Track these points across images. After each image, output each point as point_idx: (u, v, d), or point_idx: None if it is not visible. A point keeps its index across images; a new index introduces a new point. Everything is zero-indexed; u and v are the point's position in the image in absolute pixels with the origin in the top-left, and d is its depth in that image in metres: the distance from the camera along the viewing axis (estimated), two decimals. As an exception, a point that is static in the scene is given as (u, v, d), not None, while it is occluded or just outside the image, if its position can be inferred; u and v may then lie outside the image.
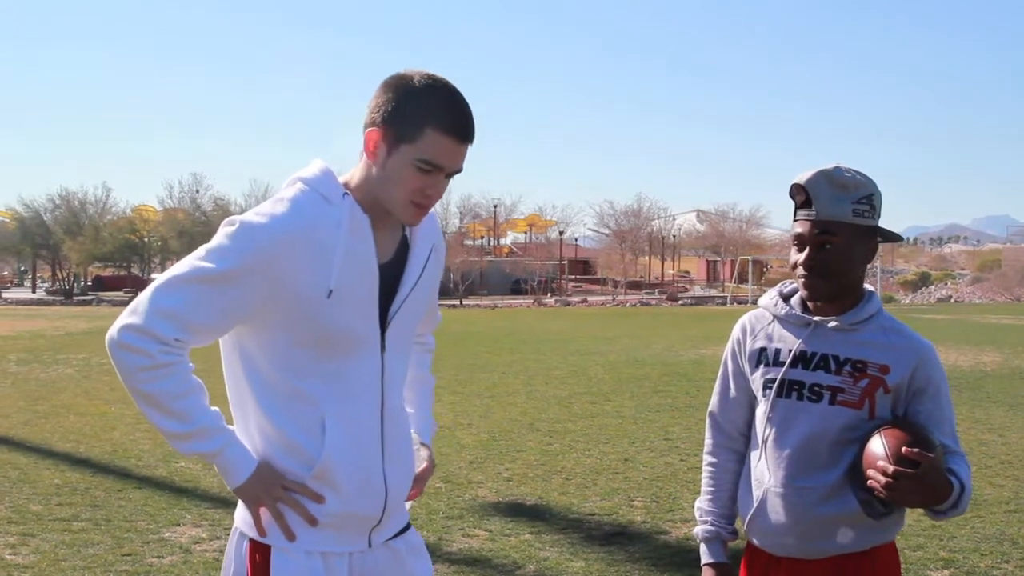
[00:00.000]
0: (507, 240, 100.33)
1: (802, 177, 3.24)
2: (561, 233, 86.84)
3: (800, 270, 3.26)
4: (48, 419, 13.87)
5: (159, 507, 8.94)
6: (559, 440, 12.49)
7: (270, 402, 2.96)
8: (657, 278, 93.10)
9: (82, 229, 68.96)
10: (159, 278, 2.94)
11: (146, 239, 71.23)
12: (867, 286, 3.38)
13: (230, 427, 2.99)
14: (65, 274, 72.51)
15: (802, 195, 3.25)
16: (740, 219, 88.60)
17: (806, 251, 3.24)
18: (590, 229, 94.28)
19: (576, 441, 12.43)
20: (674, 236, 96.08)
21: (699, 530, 3.60)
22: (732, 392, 3.57)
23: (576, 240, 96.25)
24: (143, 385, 2.85)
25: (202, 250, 2.90)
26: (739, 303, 63.30)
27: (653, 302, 65.63)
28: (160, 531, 8.19)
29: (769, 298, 3.48)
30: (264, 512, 2.97)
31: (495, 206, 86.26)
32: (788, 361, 3.31)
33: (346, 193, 2.95)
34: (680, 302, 65.72)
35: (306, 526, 2.98)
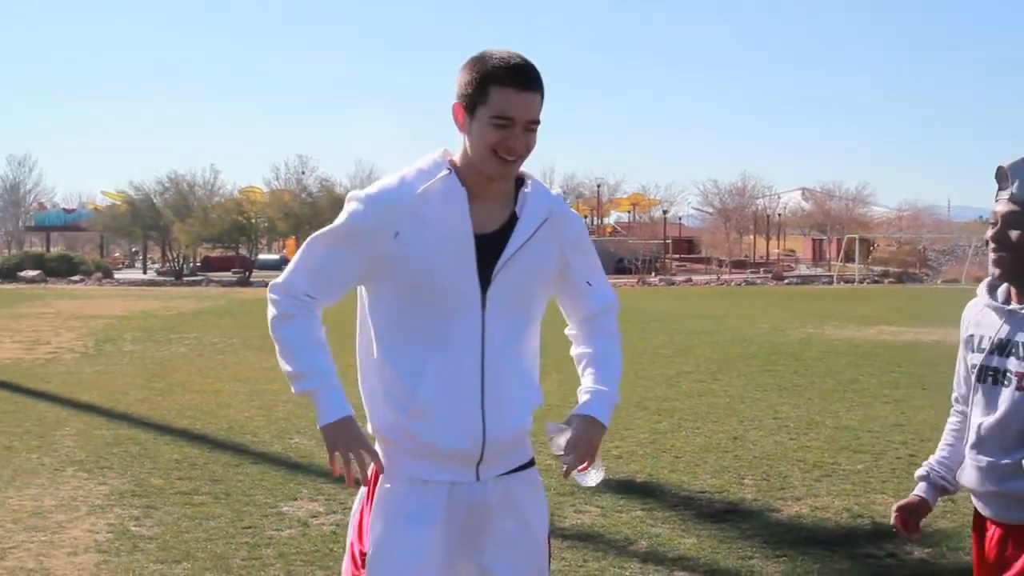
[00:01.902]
0: (611, 219, 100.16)
1: (1007, 162, 3.48)
2: (665, 212, 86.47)
3: (991, 244, 3.50)
4: (165, 396, 14.18)
5: (276, 482, 9.13)
6: (667, 418, 12.51)
7: (383, 345, 3.44)
8: (762, 257, 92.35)
9: (191, 211, 69.84)
10: (304, 242, 3.53)
11: (253, 220, 71.84)
12: None
13: (338, 381, 3.43)
14: (175, 255, 73.58)
15: (1004, 177, 3.48)
16: (846, 197, 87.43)
17: (997, 226, 3.48)
18: (694, 208, 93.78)
19: (685, 419, 12.44)
20: (779, 215, 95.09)
21: (918, 471, 3.89)
22: (962, 371, 3.77)
23: (680, 219, 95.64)
24: (274, 331, 3.47)
25: (334, 221, 3.47)
26: (846, 282, 62.61)
27: (758, 281, 65.13)
28: (278, 505, 8.36)
29: (980, 287, 3.68)
30: (337, 458, 3.36)
31: (598, 186, 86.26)
32: (987, 348, 3.53)
33: (450, 169, 3.38)
34: (786, 281, 65.15)
35: (407, 455, 3.41)
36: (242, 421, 12.20)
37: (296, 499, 8.57)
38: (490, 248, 3.37)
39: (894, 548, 7.29)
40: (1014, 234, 3.44)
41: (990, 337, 3.54)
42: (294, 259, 3.50)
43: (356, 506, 3.55)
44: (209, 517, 7.99)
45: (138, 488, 8.89)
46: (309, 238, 3.51)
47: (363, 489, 3.51)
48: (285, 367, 3.46)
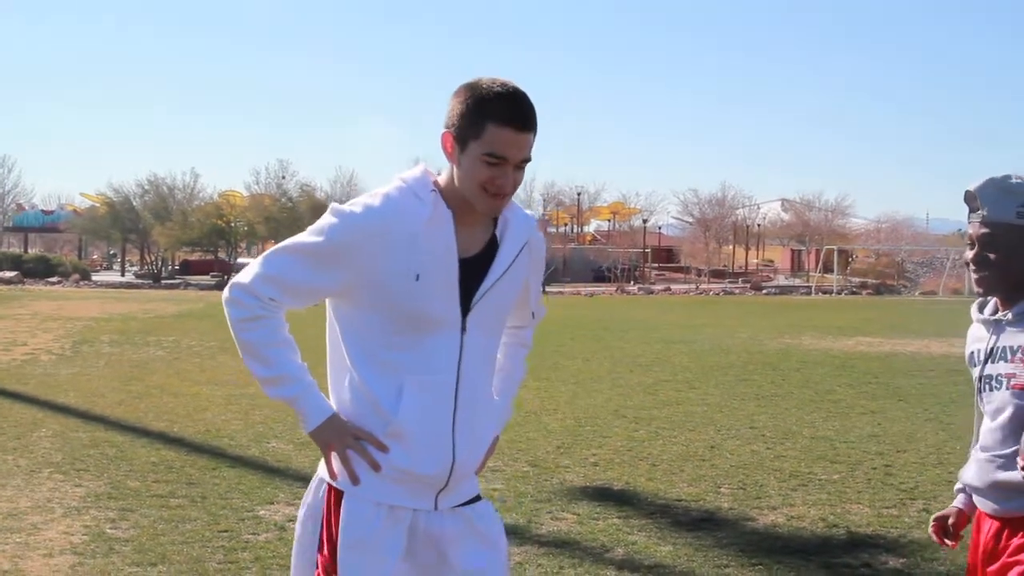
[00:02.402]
0: (590, 228, 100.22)
1: (973, 184, 3.64)
2: (645, 221, 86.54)
3: (971, 265, 3.68)
4: (142, 399, 14.14)
5: (253, 486, 9.12)
6: (645, 427, 12.53)
7: (359, 364, 3.35)
8: (741, 267, 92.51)
9: (170, 214, 69.73)
10: (271, 248, 3.44)
11: (233, 224, 71.76)
12: None
13: (311, 379, 3.38)
14: (153, 258, 73.49)
15: (973, 199, 3.65)
16: (825, 208, 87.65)
17: (975, 248, 3.65)
18: (674, 217, 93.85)
19: (662, 428, 12.46)
20: (758, 225, 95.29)
21: (956, 486, 3.99)
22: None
23: (660, 228, 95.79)
24: (241, 333, 3.36)
25: (307, 229, 3.36)
26: (824, 293, 62.80)
27: (737, 291, 65.26)
28: (255, 509, 8.35)
29: (972, 307, 3.85)
30: (334, 457, 3.35)
31: (579, 194, 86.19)
32: (982, 360, 3.71)
33: (434, 191, 3.32)
34: (764, 291, 65.29)
35: (375, 478, 3.32)
36: (219, 424, 12.17)
37: (273, 503, 8.56)
38: (471, 272, 3.34)
39: (869, 558, 7.33)
40: (991, 254, 3.60)
41: (983, 349, 3.72)
42: (260, 262, 3.37)
43: (309, 520, 3.46)
44: (185, 520, 7.98)
45: (114, 490, 8.87)
46: (279, 246, 3.41)
47: (319, 487, 3.45)
48: (257, 371, 3.38)
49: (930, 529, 3.98)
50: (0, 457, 10.15)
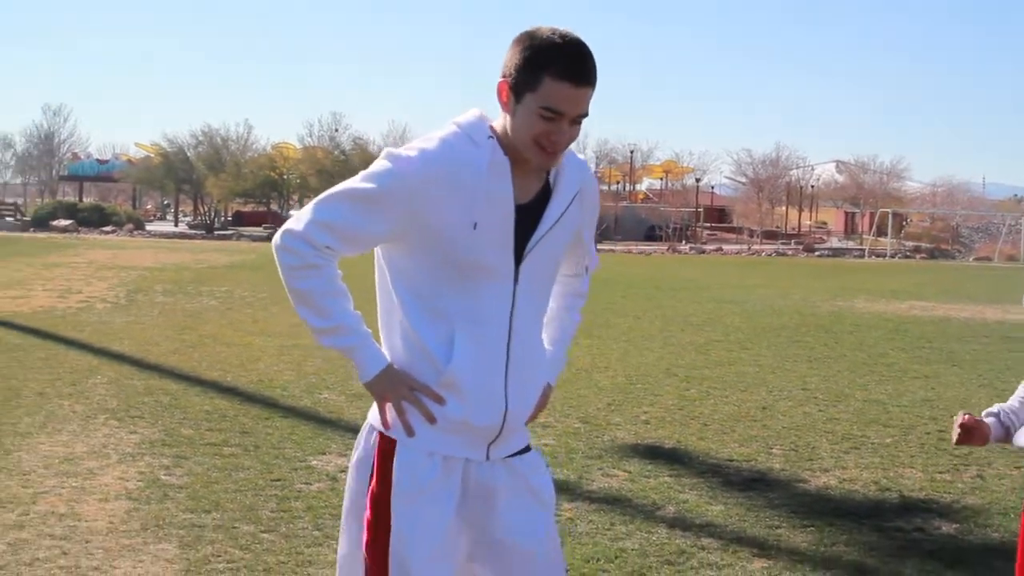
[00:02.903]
0: (643, 186, 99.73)
1: None
2: (697, 180, 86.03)
3: None
4: (195, 348, 14.25)
5: (305, 436, 9.17)
6: (696, 386, 12.50)
7: (411, 314, 3.30)
8: (793, 228, 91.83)
9: (224, 165, 69.97)
10: (322, 194, 3.34)
11: (285, 176, 71.93)
12: None
13: (367, 329, 3.33)
14: (206, 209, 73.83)
15: None
16: (881, 171, 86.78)
17: None
18: (727, 177, 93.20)
19: (713, 388, 12.43)
20: (812, 186, 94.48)
21: (987, 410, 4.00)
22: None
23: (712, 188, 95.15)
24: (295, 282, 3.30)
25: (360, 175, 3.30)
26: (877, 256, 62.31)
27: (789, 252, 64.83)
28: (307, 459, 8.40)
29: None
30: (389, 408, 3.33)
31: (631, 152, 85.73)
32: None
33: (491, 136, 3.25)
34: (816, 253, 64.85)
35: (428, 428, 3.31)
36: (272, 375, 12.25)
37: (325, 453, 8.61)
38: (524, 221, 3.29)
39: (922, 523, 7.29)
40: None
41: None
42: (311, 208, 3.30)
43: (360, 468, 3.46)
44: (238, 468, 8.04)
45: (168, 438, 8.95)
46: (330, 191, 3.33)
47: (369, 435, 3.44)
48: (312, 321, 3.34)
49: (958, 423, 3.91)
50: (56, 402, 10.26)
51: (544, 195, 3.34)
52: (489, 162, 3.21)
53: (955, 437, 3.92)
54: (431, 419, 3.28)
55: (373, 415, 3.44)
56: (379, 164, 3.26)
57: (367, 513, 3.36)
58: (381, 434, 3.38)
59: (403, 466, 3.31)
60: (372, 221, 3.23)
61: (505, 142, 3.25)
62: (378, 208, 3.21)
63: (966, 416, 3.91)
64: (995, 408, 3.94)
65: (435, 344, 3.28)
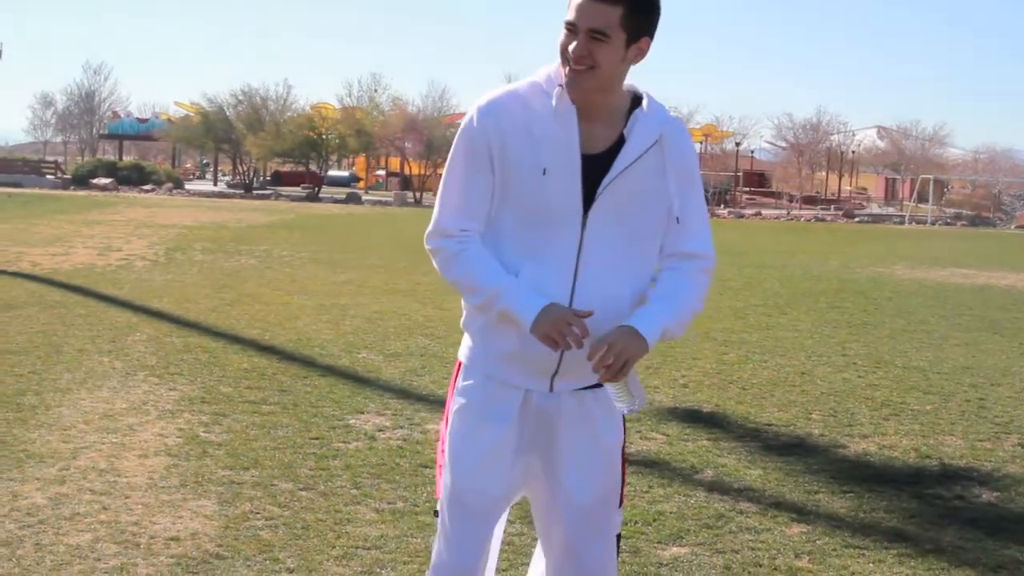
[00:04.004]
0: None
1: None
2: (737, 144, 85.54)
3: None
4: (234, 306, 14.29)
5: (343, 395, 9.19)
6: (735, 350, 12.45)
7: (496, 249, 3.46)
8: (833, 194, 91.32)
9: (263, 125, 70.02)
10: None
11: (324, 136, 71.94)
12: None
13: (508, 282, 3.39)
14: (245, 168, 73.97)
15: None
16: (922, 137, 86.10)
17: None
18: (767, 142, 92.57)
19: (752, 352, 12.37)
20: (853, 152, 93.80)
21: None
22: None
23: (752, 152, 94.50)
24: (447, 276, 3.53)
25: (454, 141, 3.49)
26: (917, 223, 61.90)
27: (828, 218, 64.52)
28: (345, 418, 8.42)
29: None
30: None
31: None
32: None
33: (561, 86, 3.34)
34: (856, 219, 64.50)
35: (488, 354, 3.55)
36: (310, 334, 12.27)
37: (363, 413, 8.62)
38: (597, 168, 3.36)
39: (962, 491, 7.24)
40: None
41: None
42: (437, 198, 3.53)
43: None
44: (277, 426, 8.06)
45: (207, 395, 8.98)
46: (442, 177, 3.54)
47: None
48: (473, 301, 3.50)
49: None
50: (96, 359, 10.32)
51: (619, 146, 3.39)
52: (555, 110, 3.33)
53: None
54: (580, 343, 3.32)
55: (459, 348, 3.70)
56: (464, 120, 3.46)
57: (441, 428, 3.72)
58: (458, 361, 3.68)
59: (461, 386, 3.60)
60: (475, 172, 3.40)
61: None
62: (471, 159, 3.40)
63: None
64: None
65: None
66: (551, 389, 3.52)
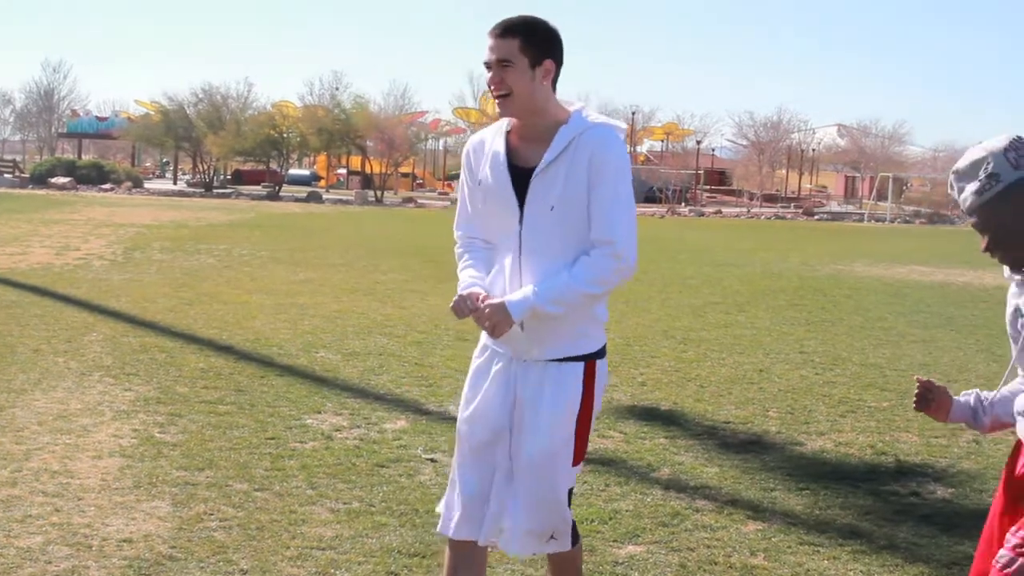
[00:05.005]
0: (643, 148, 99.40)
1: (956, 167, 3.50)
2: (698, 143, 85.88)
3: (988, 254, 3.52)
4: (192, 306, 14.21)
5: (300, 394, 9.15)
6: (694, 348, 12.48)
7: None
8: (794, 192, 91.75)
9: (224, 124, 69.69)
10: None
11: (285, 135, 71.68)
12: None
13: (471, 281, 4.29)
14: (206, 167, 73.57)
15: (953, 196, 3.53)
16: (882, 135, 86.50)
17: (981, 236, 3.47)
18: (728, 140, 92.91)
19: (711, 350, 12.41)
20: (813, 150, 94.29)
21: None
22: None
23: (713, 150, 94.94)
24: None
25: None
26: (877, 221, 62.26)
27: (788, 216, 64.81)
28: (302, 417, 8.38)
29: (1004, 268, 3.66)
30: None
31: (633, 113, 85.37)
32: None
33: (512, 120, 4.25)
34: (816, 217, 64.82)
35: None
36: (268, 333, 12.22)
37: (320, 412, 8.59)
38: (528, 179, 4.14)
39: (917, 487, 7.28)
40: (988, 236, 3.45)
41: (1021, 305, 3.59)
42: None
43: None
44: (233, 427, 8.02)
45: (163, 395, 8.92)
46: None
47: None
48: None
49: (918, 387, 3.90)
50: (52, 359, 10.24)
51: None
52: (494, 134, 4.29)
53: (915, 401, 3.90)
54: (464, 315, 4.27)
55: None
56: None
57: None
58: None
59: (475, 355, 4.46)
60: (466, 193, 4.41)
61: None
62: (464, 180, 4.41)
63: (922, 379, 3.88)
64: (973, 391, 3.89)
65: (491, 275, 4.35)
66: (522, 359, 4.28)
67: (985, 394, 3.88)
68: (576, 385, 4.24)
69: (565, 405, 4.21)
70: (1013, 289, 3.66)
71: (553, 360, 4.22)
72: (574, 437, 4.24)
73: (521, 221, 4.15)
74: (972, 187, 3.41)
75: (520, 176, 4.14)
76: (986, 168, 3.39)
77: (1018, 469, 3.68)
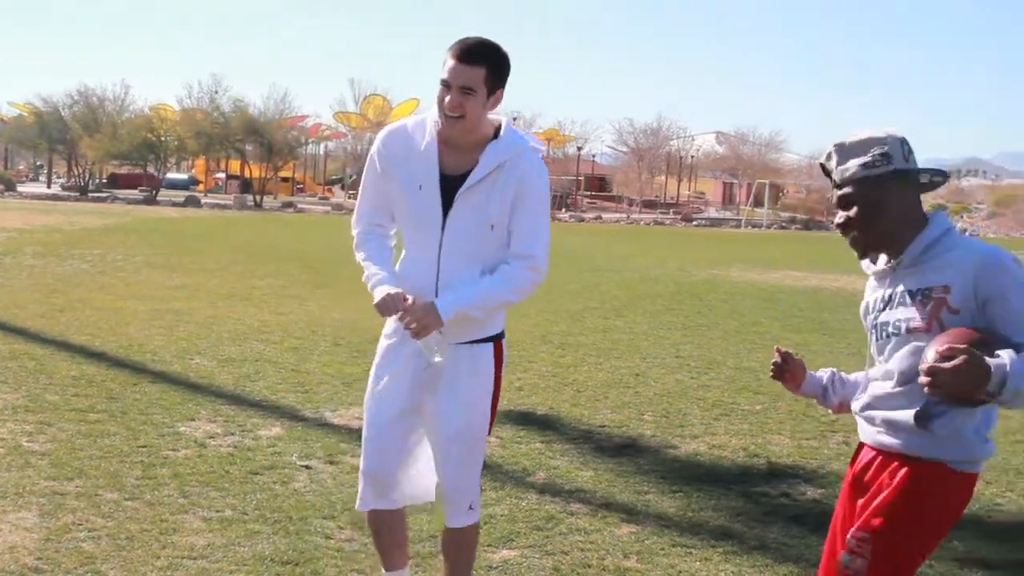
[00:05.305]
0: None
1: (831, 145, 3.66)
2: (579, 149, 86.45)
3: (842, 232, 3.68)
4: (64, 312, 13.94)
5: (174, 401, 9.03)
6: (571, 353, 12.55)
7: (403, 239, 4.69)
8: (673, 198, 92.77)
9: (100, 126, 68.70)
10: None
11: (163, 138, 70.81)
12: (935, 213, 3.66)
13: (378, 271, 4.55)
14: (81, 170, 72.36)
15: (825, 169, 3.70)
16: (759, 142, 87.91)
17: (838, 214, 3.67)
18: (608, 146, 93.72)
19: (588, 354, 12.49)
20: (692, 157, 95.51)
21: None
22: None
23: (594, 157, 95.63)
24: (355, 255, 4.67)
25: None
26: (754, 227, 63.16)
27: (668, 222, 65.51)
28: (175, 425, 8.27)
29: (863, 261, 3.78)
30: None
31: (514, 119, 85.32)
32: (878, 308, 3.68)
33: (437, 121, 4.40)
34: (694, 223, 65.61)
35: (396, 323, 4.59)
36: (142, 340, 12.03)
37: (194, 419, 8.48)
38: (455, 186, 4.39)
39: (788, 488, 7.40)
40: (851, 215, 3.60)
41: (879, 298, 3.69)
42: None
43: None
44: (104, 435, 7.88)
45: (32, 403, 8.73)
46: None
47: None
48: (364, 279, 4.58)
49: (776, 357, 3.98)
50: (-84, 367, 9.98)
51: (474, 168, 4.40)
52: (426, 138, 4.43)
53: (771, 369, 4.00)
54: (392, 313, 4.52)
55: None
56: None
57: None
58: None
59: (381, 340, 4.71)
60: (372, 182, 4.60)
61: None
62: (370, 172, 4.60)
63: (782, 349, 3.97)
64: (829, 369, 4.02)
65: (401, 263, 4.64)
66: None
67: (841, 374, 3.98)
68: (489, 364, 4.62)
69: (481, 383, 4.60)
70: (871, 283, 3.78)
71: (465, 343, 4.56)
72: (490, 415, 4.69)
73: (444, 227, 4.43)
74: (860, 160, 3.56)
75: (447, 183, 4.42)
76: (881, 147, 3.55)
77: (854, 468, 3.78)
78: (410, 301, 4.42)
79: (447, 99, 4.26)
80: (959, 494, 3.60)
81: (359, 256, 4.64)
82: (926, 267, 3.55)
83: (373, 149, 4.57)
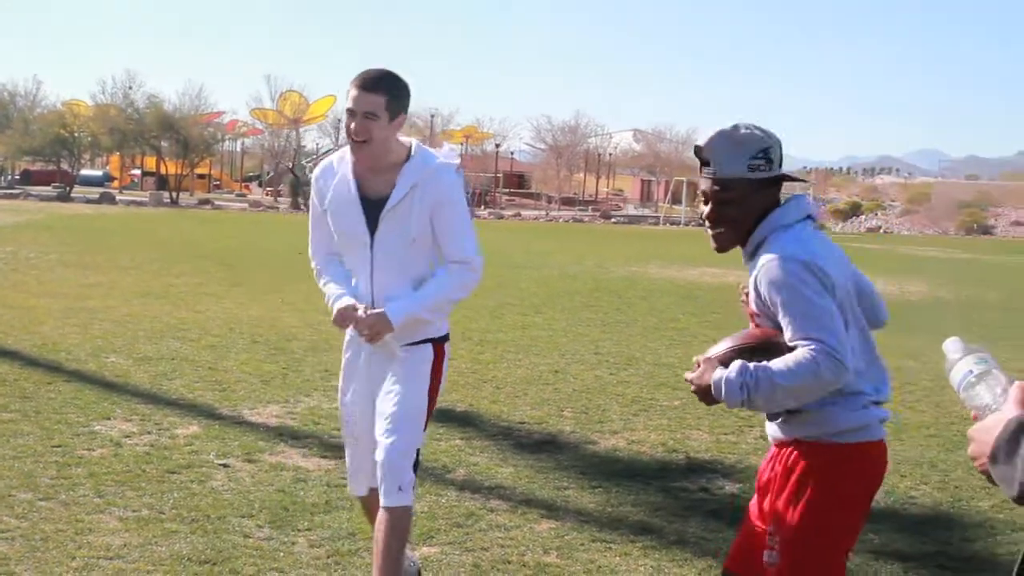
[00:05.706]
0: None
1: (702, 139, 3.68)
2: (497, 146, 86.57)
3: (706, 223, 3.75)
4: (-25, 310, 13.72)
5: (89, 401, 8.91)
6: (490, 350, 12.57)
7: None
8: (591, 195, 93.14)
9: (11, 122, 67.77)
10: None
11: (76, 135, 69.92)
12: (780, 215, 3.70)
13: (338, 291, 4.95)
14: (-8, 167, 71.43)
15: (703, 154, 3.68)
16: (676, 140, 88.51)
17: (709, 206, 3.71)
18: (526, 143, 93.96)
19: (507, 351, 12.51)
20: (610, 154, 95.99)
21: None
22: None
23: (512, 154, 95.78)
24: (318, 284, 5.12)
25: None
26: (672, 224, 63.56)
27: (586, 219, 65.75)
28: (90, 424, 8.17)
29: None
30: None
31: (432, 116, 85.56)
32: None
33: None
34: (613, 220, 65.90)
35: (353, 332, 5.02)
36: (56, 338, 11.87)
37: (109, 418, 8.38)
38: (378, 208, 4.77)
39: (706, 483, 7.46)
40: (726, 210, 3.65)
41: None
42: None
43: None
44: (17, 435, 7.77)
45: (-57, 403, 8.59)
46: None
47: None
48: (327, 302, 5.00)
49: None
50: None
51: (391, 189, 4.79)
52: (345, 168, 4.85)
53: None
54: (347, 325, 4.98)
55: None
56: None
57: None
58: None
59: (344, 347, 5.14)
60: (316, 216, 5.02)
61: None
62: (313, 207, 5.04)
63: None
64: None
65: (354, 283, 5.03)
66: (379, 348, 4.91)
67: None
68: (426, 362, 4.97)
69: (417, 378, 4.93)
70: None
71: (407, 344, 4.92)
72: (426, 406, 4.96)
73: (371, 247, 4.83)
74: (743, 159, 3.58)
75: (369, 205, 4.80)
76: (765, 151, 3.59)
77: (762, 465, 3.82)
78: (361, 311, 4.82)
79: (352, 125, 4.66)
80: (855, 463, 3.60)
81: (321, 282, 5.08)
82: (753, 269, 3.76)
83: (312, 188, 5.04)
